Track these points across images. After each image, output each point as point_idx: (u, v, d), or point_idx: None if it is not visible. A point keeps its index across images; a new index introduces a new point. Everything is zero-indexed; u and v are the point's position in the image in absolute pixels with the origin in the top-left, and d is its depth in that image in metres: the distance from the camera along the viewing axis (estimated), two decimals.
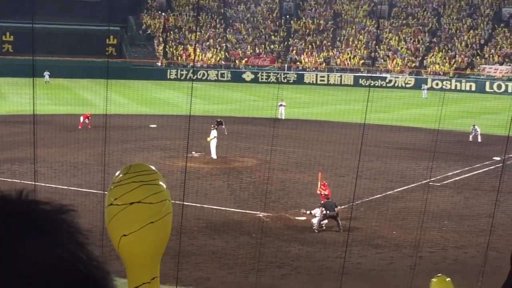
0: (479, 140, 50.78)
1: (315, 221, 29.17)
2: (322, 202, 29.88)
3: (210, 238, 27.60)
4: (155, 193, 3.59)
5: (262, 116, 53.92)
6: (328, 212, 29.17)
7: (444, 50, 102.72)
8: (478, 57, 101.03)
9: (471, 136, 51.56)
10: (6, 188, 1.45)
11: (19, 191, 1.41)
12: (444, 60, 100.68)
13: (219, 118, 50.85)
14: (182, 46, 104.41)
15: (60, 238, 1.36)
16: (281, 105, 58.68)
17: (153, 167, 3.69)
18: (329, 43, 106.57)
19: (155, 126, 54.14)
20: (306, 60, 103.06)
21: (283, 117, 58.01)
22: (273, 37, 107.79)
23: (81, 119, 52.76)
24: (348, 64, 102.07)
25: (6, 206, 1.37)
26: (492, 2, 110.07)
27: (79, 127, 51.59)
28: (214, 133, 43.44)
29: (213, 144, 42.96)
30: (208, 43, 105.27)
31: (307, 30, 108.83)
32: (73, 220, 1.44)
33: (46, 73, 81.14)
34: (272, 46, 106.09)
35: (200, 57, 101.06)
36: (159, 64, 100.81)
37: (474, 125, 52.06)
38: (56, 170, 37.54)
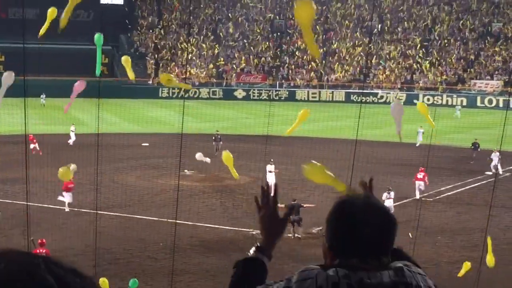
0: (501, 172, 45.21)
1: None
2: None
3: (203, 256, 27.56)
4: None
5: (254, 134, 53.88)
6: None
7: (435, 65, 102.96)
8: (468, 72, 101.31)
9: (492, 166, 46.22)
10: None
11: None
12: (435, 75, 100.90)
13: (219, 134, 50.97)
14: (174, 63, 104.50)
15: None
16: (420, 131, 55.61)
17: None
18: (320, 60, 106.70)
19: (147, 144, 54.15)
20: (298, 76, 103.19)
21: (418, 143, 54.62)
22: (264, 54, 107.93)
23: (31, 145, 48.12)
24: (339, 79, 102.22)
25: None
26: (482, 17, 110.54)
27: (32, 152, 47.23)
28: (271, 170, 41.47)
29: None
30: (199, 60, 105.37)
31: (298, 47, 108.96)
32: None
33: (42, 96, 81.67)
34: (263, 64, 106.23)
35: (191, 72, 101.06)
36: (151, 82, 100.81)
37: (494, 152, 45.76)
38: (48, 190, 37.43)
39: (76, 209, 33.76)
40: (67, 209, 33.45)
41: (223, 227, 31.64)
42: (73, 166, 22.07)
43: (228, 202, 36.49)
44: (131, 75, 19.33)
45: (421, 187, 38.58)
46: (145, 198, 36.66)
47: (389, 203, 32.96)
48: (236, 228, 31.38)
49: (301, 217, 29.87)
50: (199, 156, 41.42)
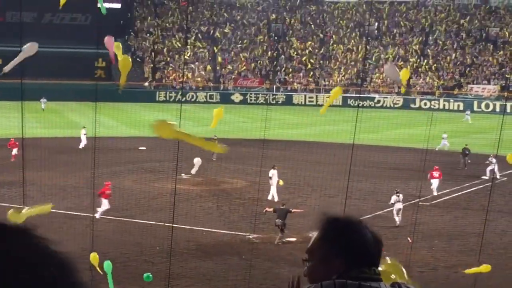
0: (498, 176, 43.17)
1: None
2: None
3: (200, 260, 27.56)
4: None
5: (251, 138, 53.82)
6: (276, 220, 29.66)
7: (432, 70, 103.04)
8: (465, 76, 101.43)
9: (488, 170, 44.83)
10: None
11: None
12: (432, 80, 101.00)
13: (216, 138, 50.13)
14: (171, 67, 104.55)
15: None
16: (444, 138, 55.21)
17: None
18: (317, 64, 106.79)
19: (144, 148, 54.07)
20: (295, 80, 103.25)
21: (446, 148, 54.32)
22: (261, 58, 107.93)
23: (13, 151, 46.51)
24: (337, 83, 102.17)
25: None
26: (479, 21, 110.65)
27: (13, 159, 45.78)
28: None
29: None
30: (196, 63, 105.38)
31: (296, 51, 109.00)
32: None
33: (43, 100, 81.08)
34: (260, 67, 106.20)
35: (188, 76, 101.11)
36: (147, 84, 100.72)
37: (491, 157, 43.94)
38: (45, 194, 37.40)
39: (73, 213, 33.72)
40: (97, 216, 32.96)
41: (219, 231, 31.63)
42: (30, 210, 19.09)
43: (224, 206, 36.47)
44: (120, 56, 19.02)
45: (434, 184, 40.71)
46: (142, 202, 36.65)
47: (399, 206, 33.00)
48: (233, 232, 31.38)
49: (286, 222, 29.71)
50: (197, 161, 41.54)
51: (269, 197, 37.19)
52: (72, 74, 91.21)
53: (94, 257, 21.14)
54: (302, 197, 38.25)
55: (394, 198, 33.56)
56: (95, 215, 32.57)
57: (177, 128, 7.41)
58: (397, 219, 32.90)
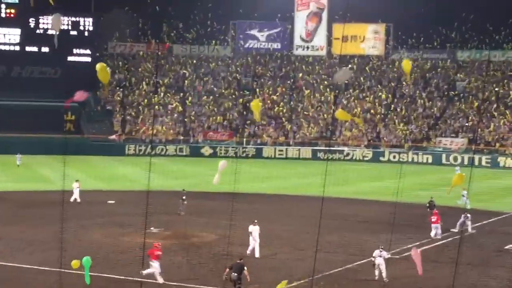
0: (469, 229, 43.83)
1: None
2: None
3: None
4: None
5: (221, 191, 53.69)
6: (232, 273, 28.75)
7: (400, 123, 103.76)
8: (434, 129, 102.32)
9: (457, 224, 44.10)
10: None
11: None
12: (402, 132, 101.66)
13: (184, 191, 49.57)
14: (141, 118, 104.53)
15: None
16: (464, 195, 51.47)
17: None
18: (287, 116, 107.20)
19: (113, 202, 53.74)
20: (264, 134, 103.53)
21: (468, 206, 49.63)
22: (231, 112, 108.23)
23: None
24: (306, 136, 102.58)
25: None
26: (446, 74, 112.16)
27: None
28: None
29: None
30: (166, 116, 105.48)
31: (265, 104, 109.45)
32: None
33: (18, 156, 79.62)
34: (230, 120, 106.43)
35: (158, 129, 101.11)
36: (115, 137, 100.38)
37: (466, 214, 43.98)
38: (13, 248, 37.01)
39: (41, 268, 33.29)
40: (161, 281, 30.72)
41: (189, 285, 31.36)
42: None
43: (194, 259, 36.19)
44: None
45: (438, 230, 42.36)
46: (111, 256, 36.26)
47: (378, 260, 32.29)
48: (203, 286, 31.12)
49: (241, 277, 28.88)
50: (222, 164, 40.02)
51: (257, 255, 36.37)
52: (42, 127, 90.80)
53: (75, 263, 23.77)
54: (271, 250, 38.07)
55: (376, 252, 32.76)
56: (159, 281, 31.02)
57: None
58: (377, 272, 32.30)
